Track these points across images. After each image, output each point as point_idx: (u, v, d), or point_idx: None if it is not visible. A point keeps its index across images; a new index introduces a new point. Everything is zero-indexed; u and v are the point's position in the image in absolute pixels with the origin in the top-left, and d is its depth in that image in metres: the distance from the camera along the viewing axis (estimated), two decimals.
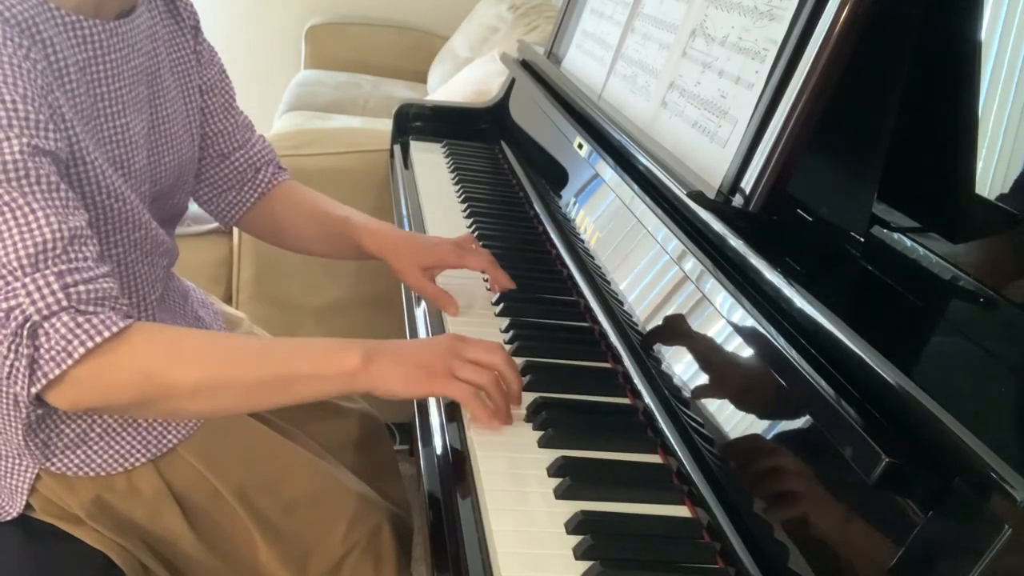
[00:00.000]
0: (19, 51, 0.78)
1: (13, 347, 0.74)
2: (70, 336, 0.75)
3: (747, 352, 0.77)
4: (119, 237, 0.92)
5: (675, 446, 0.81)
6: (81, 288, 0.76)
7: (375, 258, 1.16)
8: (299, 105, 3.03)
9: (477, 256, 1.10)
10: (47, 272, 0.75)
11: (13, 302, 0.74)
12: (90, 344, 0.75)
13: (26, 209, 0.75)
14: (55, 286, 0.75)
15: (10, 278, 0.74)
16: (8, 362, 0.75)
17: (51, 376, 0.75)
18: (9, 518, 0.95)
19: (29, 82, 0.78)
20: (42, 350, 0.75)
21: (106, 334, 0.76)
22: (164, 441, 0.98)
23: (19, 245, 0.75)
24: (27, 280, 0.74)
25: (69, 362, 0.75)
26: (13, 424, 0.92)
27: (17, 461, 0.95)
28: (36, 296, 0.74)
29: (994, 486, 0.51)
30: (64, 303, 0.75)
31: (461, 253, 1.10)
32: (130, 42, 0.93)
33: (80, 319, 0.75)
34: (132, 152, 0.93)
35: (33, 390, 0.75)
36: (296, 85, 3.24)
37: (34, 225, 0.75)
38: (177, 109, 1.03)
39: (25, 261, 0.75)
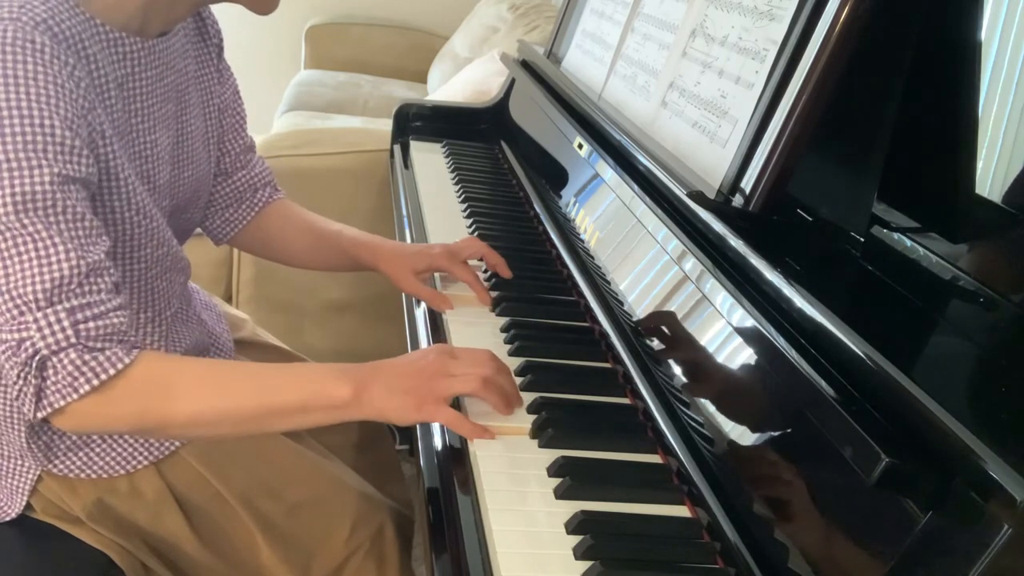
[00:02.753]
0: (65, 69, 0.79)
1: (23, 376, 0.77)
2: (76, 373, 0.77)
3: (747, 352, 0.77)
4: (143, 253, 0.93)
5: (675, 446, 0.81)
6: (91, 324, 0.78)
7: (369, 269, 1.19)
8: (299, 105, 3.03)
9: (463, 272, 1.14)
10: (59, 308, 0.77)
11: (25, 334, 0.76)
12: (95, 382, 0.78)
13: (48, 241, 0.77)
14: (65, 323, 0.77)
15: (24, 309, 0.76)
16: (17, 387, 0.78)
17: (56, 406, 0.78)
18: (8, 519, 0.95)
19: (71, 103, 0.79)
20: (48, 382, 0.78)
21: (111, 372, 0.78)
22: (166, 444, 0.98)
23: (36, 279, 0.76)
24: (39, 315, 0.76)
25: (74, 396, 0.78)
26: (16, 426, 0.92)
27: (19, 462, 0.95)
28: (47, 332, 0.77)
29: (994, 486, 0.51)
30: (72, 340, 0.77)
31: (451, 259, 1.14)
32: (165, 60, 0.95)
33: (87, 356, 0.78)
34: (157, 168, 0.95)
35: (39, 415, 0.79)
36: (296, 85, 3.24)
37: (53, 259, 0.77)
38: (199, 126, 1.05)
39: (40, 295, 0.76)
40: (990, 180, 0.77)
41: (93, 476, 0.95)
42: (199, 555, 1.00)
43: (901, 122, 0.82)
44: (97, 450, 0.95)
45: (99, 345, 0.79)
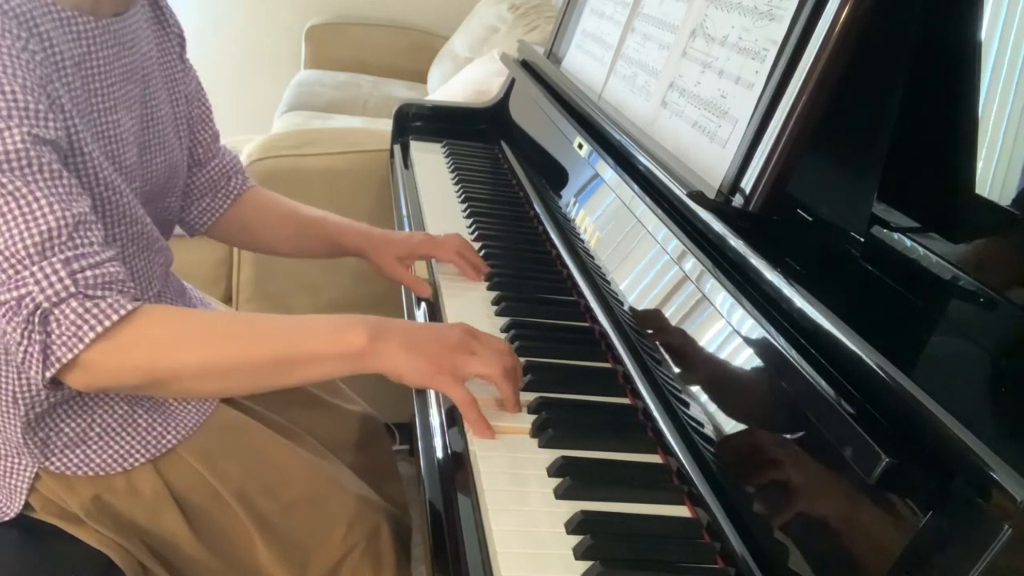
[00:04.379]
0: (18, 42, 0.79)
1: (26, 334, 0.76)
2: (80, 322, 0.77)
3: (747, 352, 0.77)
4: (118, 230, 0.92)
5: (675, 446, 0.81)
6: (88, 273, 0.78)
7: (352, 254, 1.22)
8: (299, 105, 3.03)
9: (445, 249, 1.17)
10: (54, 260, 0.77)
11: (24, 290, 0.76)
12: (99, 328, 0.77)
13: (29, 198, 0.77)
14: (62, 273, 0.77)
15: (19, 267, 0.76)
16: (22, 348, 0.77)
17: (64, 360, 0.77)
18: (7, 518, 0.95)
19: (28, 72, 0.79)
20: (53, 335, 0.77)
21: (115, 317, 0.78)
22: (164, 441, 0.98)
23: (25, 234, 0.76)
24: (35, 268, 0.76)
25: (80, 346, 0.77)
26: (12, 422, 0.92)
27: (16, 460, 0.95)
28: (45, 284, 0.76)
29: (994, 486, 0.51)
30: (72, 289, 0.77)
31: (432, 243, 1.18)
32: (122, 40, 0.94)
33: (88, 304, 0.77)
34: (123, 148, 0.94)
35: (48, 374, 0.78)
36: (296, 85, 3.24)
37: (38, 213, 0.77)
38: (166, 112, 1.04)
39: (32, 250, 0.76)
40: (990, 180, 0.77)
41: (90, 474, 0.95)
42: (197, 554, 1.00)
43: (901, 122, 0.82)
44: (94, 447, 0.95)
45: (99, 293, 0.78)
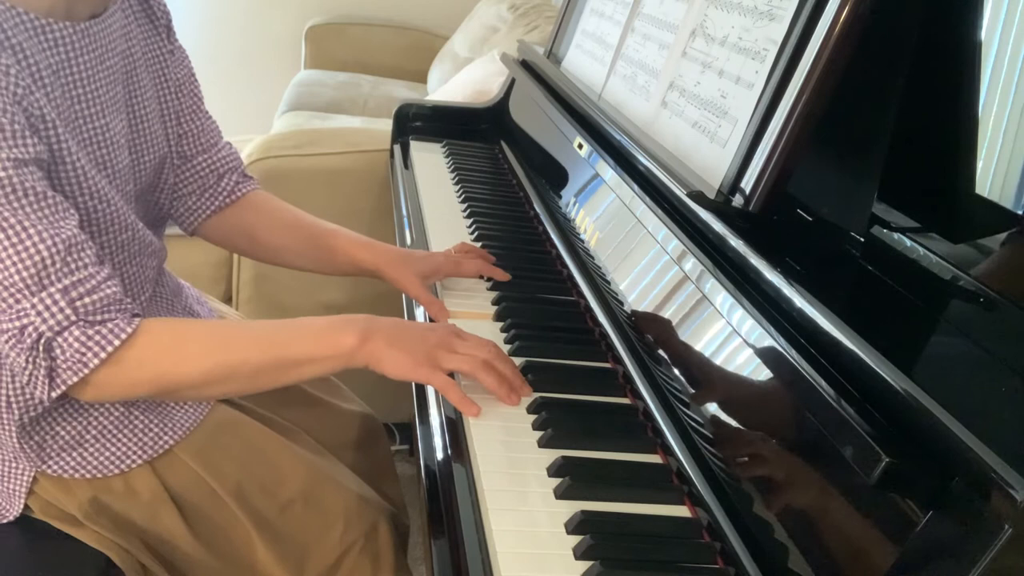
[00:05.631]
0: None
1: (31, 359, 0.79)
2: (83, 349, 0.80)
3: (747, 352, 0.77)
4: (106, 239, 0.92)
5: (675, 446, 0.81)
6: (87, 299, 0.80)
7: (366, 273, 1.15)
8: (299, 105, 3.03)
9: (470, 263, 1.15)
10: (52, 290, 0.78)
11: (25, 320, 0.78)
12: (103, 355, 0.80)
13: (18, 227, 0.77)
14: (62, 303, 0.79)
15: (18, 296, 0.78)
16: (27, 372, 0.80)
17: (70, 383, 0.81)
18: (6, 520, 0.95)
19: (1, 91, 0.77)
20: (59, 360, 0.80)
21: (116, 343, 0.81)
22: (160, 442, 0.98)
23: (19, 265, 0.77)
24: (35, 300, 0.78)
25: (86, 371, 0.80)
26: (7, 426, 0.92)
27: (13, 464, 0.95)
28: (46, 315, 0.78)
29: (994, 486, 0.51)
30: (73, 318, 0.79)
31: (456, 261, 1.15)
32: (102, 42, 0.92)
33: (90, 331, 0.80)
34: (115, 152, 0.93)
35: (53, 395, 0.81)
36: (296, 85, 3.24)
37: (28, 243, 0.78)
38: (153, 108, 1.03)
39: (29, 280, 0.78)
40: (990, 180, 0.77)
41: (88, 476, 0.95)
42: (196, 553, 1.00)
43: (901, 122, 0.82)
44: (91, 449, 0.95)
45: (100, 318, 0.81)
